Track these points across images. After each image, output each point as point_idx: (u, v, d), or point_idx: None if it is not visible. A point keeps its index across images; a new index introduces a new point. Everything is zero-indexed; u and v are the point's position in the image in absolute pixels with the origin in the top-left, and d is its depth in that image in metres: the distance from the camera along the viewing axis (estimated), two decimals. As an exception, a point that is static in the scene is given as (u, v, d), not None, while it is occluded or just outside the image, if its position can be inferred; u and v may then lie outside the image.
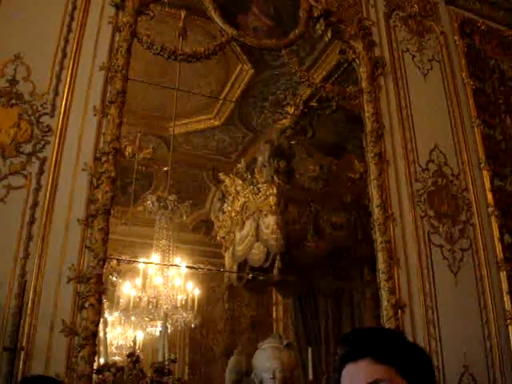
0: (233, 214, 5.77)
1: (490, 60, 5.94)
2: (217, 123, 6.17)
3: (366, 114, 4.73)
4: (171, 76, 4.99)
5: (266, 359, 4.02)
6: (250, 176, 5.69)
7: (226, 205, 5.87)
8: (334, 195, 5.77)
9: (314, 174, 5.90)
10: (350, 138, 5.87)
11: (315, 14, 4.96)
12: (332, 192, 5.77)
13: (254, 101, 6.17)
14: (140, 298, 5.32)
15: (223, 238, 5.92)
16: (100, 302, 3.31)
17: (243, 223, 5.62)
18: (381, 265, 4.23)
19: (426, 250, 4.48)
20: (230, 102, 6.02)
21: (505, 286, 4.73)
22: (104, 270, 3.42)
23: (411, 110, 4.98)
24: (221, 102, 6.02)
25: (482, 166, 5.11)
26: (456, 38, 5.72)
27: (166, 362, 3.27)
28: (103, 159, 3.64)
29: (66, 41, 4.05)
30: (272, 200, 5.46)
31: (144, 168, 5.89)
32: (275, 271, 5.34)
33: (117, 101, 3.84)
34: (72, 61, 3.98)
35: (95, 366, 3.23)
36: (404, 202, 4.55)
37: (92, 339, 3.18)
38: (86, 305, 3.25)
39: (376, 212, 4.37)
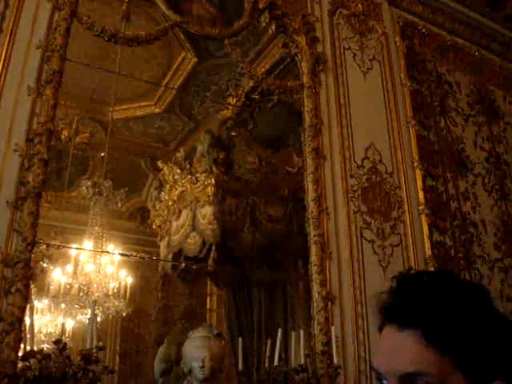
0: (170, 203, 5.72)
1: (428, 63, 6.12)
2: (157, 110, 6.10)
3: (306, 109, 4.77)
4: (112, 60, 4.89)
5: (196, 348, 4.01)
6: (188, 165, 5.66)
7: (163, 193, 5.82)
8: (271, 188, 5.81)
9: (252, 166, 5.92)
10: (290, 132, 5.93)
11: (260, 6, 4.96)
12: (270, 185, 5.81)
13: (196, 90, 6.14)
14: (71, 285, 5.21)
15: (159, 226, 5.86)
16: (27, 287, 3.21)
17: (180, 212, 5.58)
18: (313, 257, 4.29)
19: (357, 244, 4.58)
20: (172, 89, 5.96)
21: (431, 281, 4.90)
22: (33, 255, 3.32)
23: (350, 107, 5.06)
24: (162, 89, 5.95)
25: (415, 165, 5.26)
26: (397, 39, 5.85)
27: (94, 350, 3.21)
28: (36, 140, 3.53)
29: (3, 16, 3.89)
30: (210, 190, 5.45)
31: (80, 152, 5.76)
32: (210, 261, 5.34)
33: (53, 81, 3.72)
34: (8, 37, 3.83)
35: (21, 353, 3.13)
36: (338, 197, 4.63)
37: (18, 325, 3.09)
38: (13, 290, 3.15)
39: (311, 206, 4.43)
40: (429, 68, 6.09)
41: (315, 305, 4.16)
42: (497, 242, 5.71)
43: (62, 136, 5.39)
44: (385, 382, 0.95)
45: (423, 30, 6.22)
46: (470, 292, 0.97)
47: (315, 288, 4.21)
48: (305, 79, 4.88)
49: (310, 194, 4.48)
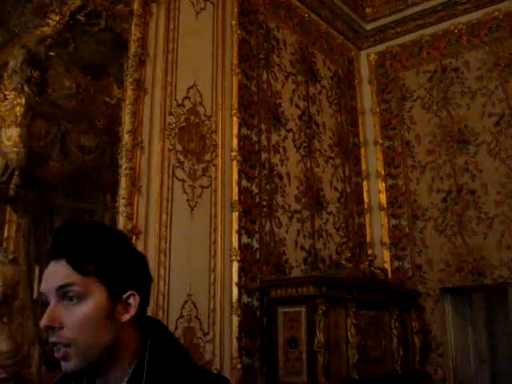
0: (-29, 118, 5.20)
1: (260, 15, 6.22)
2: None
3: (132, 38, 4.61)
4: None
5: (-14, 272, 3.77)
6: (-3, 80, 5.16)
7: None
8: (86, 117, 5.55)
9: (69, 91, 5.58)
10: (113, 62, 5.68)
11: None
12: (85, 113, 5.54)
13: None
14: None
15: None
16: None
17: (-18, 129, 5.10)
18: (122, 190, 4.24)
19: (168, 182, 4.60)
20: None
21: (235, 225, 5.12)
22: None
23: (178, 44, 4.99)
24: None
25: (233, 112, 5.39)
26: (232, -15, 5.86)
27: None
28: None
29: None
30: (18, 110, 5.04)
31: None
32: (12, 187, 4.99)
33: None
34: None
35: None
36: (155, 132, 4.59)
37: None
38: None
39: (125, 138, 4.34)
40: (260, 20, 6.21)
41: (119, 238, 4.12)
42: (298, 195, 6.13)
43: None
44: (49, 299, 1.24)
45: (259, -18, 6.30)
46: (105, 233, 1.30)
47: (121, 221, 4.17)
48: (135, 6, 4.69)
49: (126, 126, 4.38)
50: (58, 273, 1.23)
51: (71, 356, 1.20)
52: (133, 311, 1.26)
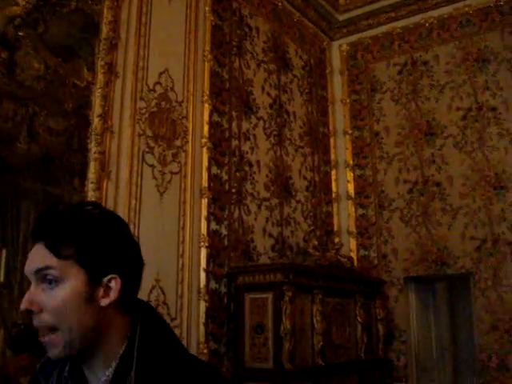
0: None
1: (233, 2, 6.21)
2: None
3: (104, 21, 4.56)
4: None
5: None
6: (-38, 59, 5.06)
7: None
8: (55, 99, 5.48)
9: (38, 72, 5.50)
10: (84, 44, 5.61)
11: None
12: (54, 96, 5.47)
13: (-16, -23, 5.46)
14: None
15: None
16: None
17: None
18: (91, 175, 4.21)
19: (138, 167, 4.59)
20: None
21: (204, 212, 5.14)
22: None
23: (150, 28, 4.95)
24: None
25: (204, 99, 5.39)
26: (207, -30, 5.83)
27: None
28: None
29: None
30: (-15, 90, 4.96)
31: None
32: (-23, 168, 4.91)
33: None
34: None
35: None
36: (125, 117, 4.56)
37: None
38: None
39: (95, 122, 4.31)
40: (233, 7, 6.19)
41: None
42: (267, 182, 6.17)
43: None
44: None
45: (235, -32, 6.28)
46: (88, 215, 1.28)
47: (89, 205, 4.14)
48: (107, -11, 4.64)
49: (96, 109, 4.34)
50: (37, 256, 1.23)
51: (56, 342, 1.20)
52: (113, 295, 1.25)
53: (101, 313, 1.24)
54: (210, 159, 5.31)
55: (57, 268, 1.20)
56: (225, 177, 5.53)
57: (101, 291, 1.24)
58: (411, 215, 6.97)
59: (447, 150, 6.89)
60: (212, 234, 5.22)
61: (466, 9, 7.09)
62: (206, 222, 5.14)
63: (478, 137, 6.71)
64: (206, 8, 5.69)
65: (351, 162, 7.57)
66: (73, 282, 1.21)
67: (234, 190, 5.62)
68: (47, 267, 1.20)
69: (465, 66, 6.99)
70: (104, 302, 1.24)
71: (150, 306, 1.38)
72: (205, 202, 5.16)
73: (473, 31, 7.03)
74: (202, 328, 4.89)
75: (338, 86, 7.95)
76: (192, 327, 4.82)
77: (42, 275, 1.21)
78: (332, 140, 7.70)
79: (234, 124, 5.80)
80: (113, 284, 1.25)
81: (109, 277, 1.24)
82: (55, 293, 1.20)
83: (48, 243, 1.21)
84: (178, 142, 5.01)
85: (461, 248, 6.56)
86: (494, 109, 6.69)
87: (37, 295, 1.21)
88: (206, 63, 5.51)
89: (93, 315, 1.22)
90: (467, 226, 6.56)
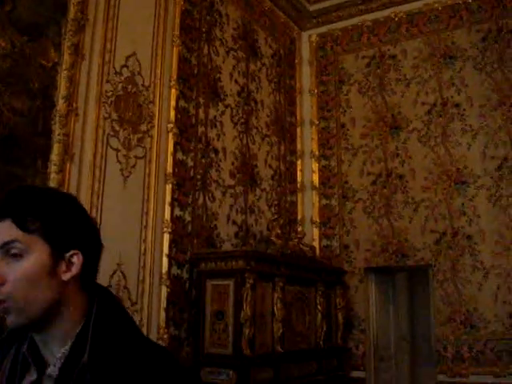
0: None
1: (203, -13, 6.17)
2: None
3: (72, 1, 4.49)
4: None
5: None
6: None
7: None
8: (21, 79, 5.39)
9: (3, 51, 5.40)
10: (52, 23, 5.52)
11: None
12: (19, 75, 5.38)
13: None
14: None
15: None
16: None
17: None
18: (55, 157, 4.17)
19: (102, 150, 4.56)
20: None
21: (168, 197, 5.15)
22: None
23: (119, 10, 4.90)
24: None
25: (171, 84, 5.36)
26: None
27: None
28: None
29: None
30: None
31: None
32: None
33: None
34: None
35: None
36: (91, 99, 4.52)
37: None
38: None
39: (60, 103, 4.26)
40: (204, -8, 6.16)
41: (49, 204, 4.06)
42: (233, 170, 6.19)
43: None
44: None
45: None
46: (52, 194, 1.37)
47: (52, 187, 4.10)
48: (76, -31, 4.56)
49: (62, 91, 4.29)
50: (3, 230, 1.26)
51: (10, 311, 1.24)
52: (75, 270, 1.29)
53: (61, 287, 1.28)
54: (175, 145, 5.31)
55: (22, 242, 1.25)
56: (190, 163, 5.53)
57: (63, 266, 1.28)
58: (374, 207, 7.09)
59: (411, 144, 7.01)
60: (175, 219, 5.22)
61: (436, 5, 7.20)
62: (169, 208, 5.14)
63: (442, 132, 6.85)
64: (177, -8, 5.65)
65: (317, 153, 7.64)
66: (37, 255, 1.26)
67: (198, 177, 5.63)
68: (13, 241, 1.24)
69: (431, 62, 7.11)
70: (65, 276, 1.28)
71: (108, 289, 1.41)
72: (169, 187, 5.16)
73: (441, 28, 7.14)
74: (162, 313, 4.91)
75: (306, 76, 8.00)
76: (153, 312, 4.83)
77: (7, 249, 1.25)
78: (298, 130, 7.75)
79: (200, 110, 5.79)
80: (75, 259, 1.29)
81: (71, 252, 1.29)
82: (18, 265, 1.25)
83: (14, 218, 1.25)
84: (143, 127, 4.98)
85: (421, 240, 6.71)
86: (458, 105, 6.83)
87: (1, 268, 1.25)
88: (175, 48, 5.48)
89: (53, 288, 1.27)
90: (428, 219, 6.71)
